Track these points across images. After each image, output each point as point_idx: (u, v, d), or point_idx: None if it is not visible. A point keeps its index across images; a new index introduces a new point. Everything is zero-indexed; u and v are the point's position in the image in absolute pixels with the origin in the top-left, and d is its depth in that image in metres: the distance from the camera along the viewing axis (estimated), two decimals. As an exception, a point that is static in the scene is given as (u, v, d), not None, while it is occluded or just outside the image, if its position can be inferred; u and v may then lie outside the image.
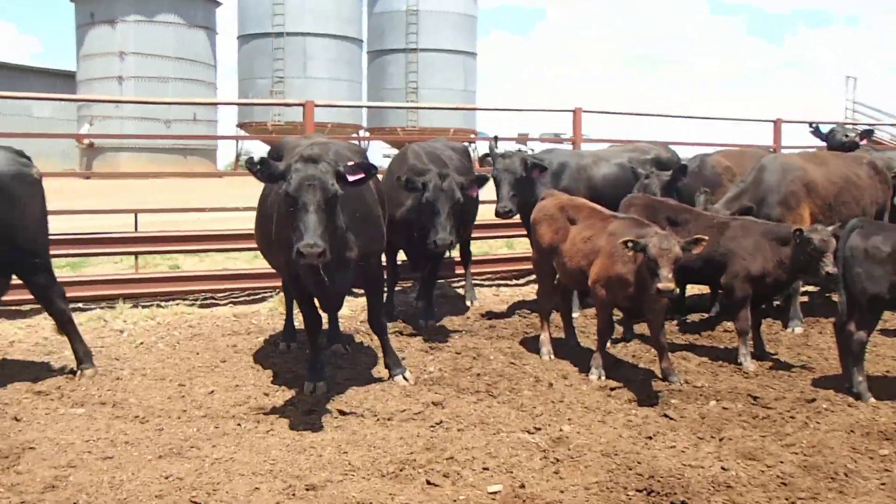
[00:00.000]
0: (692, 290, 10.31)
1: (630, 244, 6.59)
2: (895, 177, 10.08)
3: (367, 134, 43.59)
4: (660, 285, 6.39)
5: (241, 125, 40.15)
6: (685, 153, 12.09)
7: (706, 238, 6.82)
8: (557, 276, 7.97)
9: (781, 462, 5.49)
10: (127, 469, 5.20)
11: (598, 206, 7.77)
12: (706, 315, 9.55)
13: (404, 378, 7.11)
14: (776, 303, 9.40)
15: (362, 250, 6.65)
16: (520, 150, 10.05)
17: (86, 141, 29.89)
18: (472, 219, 10.21)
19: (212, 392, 6.73)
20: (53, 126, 43.00)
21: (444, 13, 43.96)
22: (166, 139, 31.50)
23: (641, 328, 8.25)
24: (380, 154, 59.67)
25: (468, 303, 10.54)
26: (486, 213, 9.94)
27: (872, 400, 6.68)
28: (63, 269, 10.95)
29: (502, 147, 9.78)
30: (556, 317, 8.56)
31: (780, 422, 6.25)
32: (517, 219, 9.63)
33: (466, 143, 10.04)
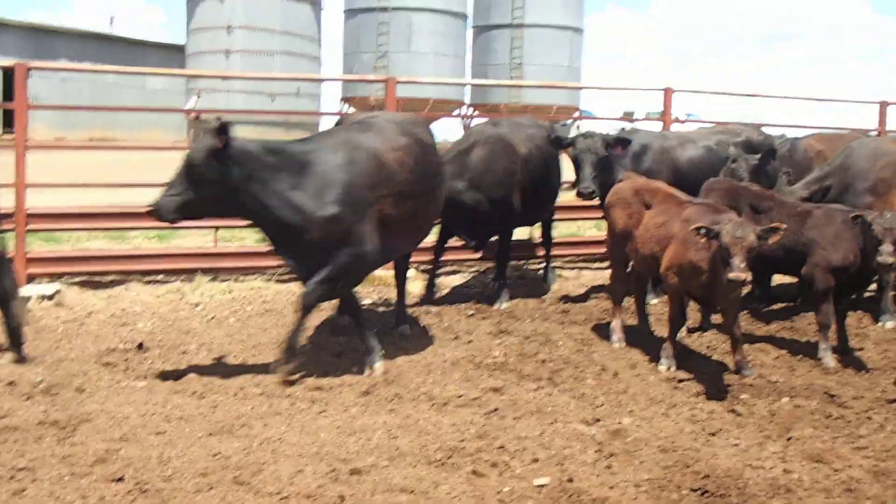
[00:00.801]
0: (780, 279, 9.91)
1: (703, 231, 6.32)
2: None
3: (470, 110, 43.48)
4: (731, 275, 6.11)
5: (345, 99, 40.39)
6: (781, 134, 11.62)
7: (784, 226, 6.48)
8: (631, 261, 7.75)
9: (850, 466, 5.21)
10: (177, 445, 5.22)
11: (675, 191, 7.49)
12: (790, 304, 9.19)
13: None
14: (867, 294, 8.95)
15: None
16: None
17: (192, 114, 30.53)
18: (553, 197, 10.09)
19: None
20: (166, 97, 44.05)
21: (550, -13, 43.29)
22: (270, 114, 31.89)
23: (719, 318, 7.96)
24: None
25: (547, 286, 10.34)
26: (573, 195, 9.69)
27: None
28: (152, 241, 11.22)
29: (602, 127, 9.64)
30: (630, 302, 8.33)
31: (855, 422, 5.93)
32: None
33: (550, 122, 9.82)
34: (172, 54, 45.13)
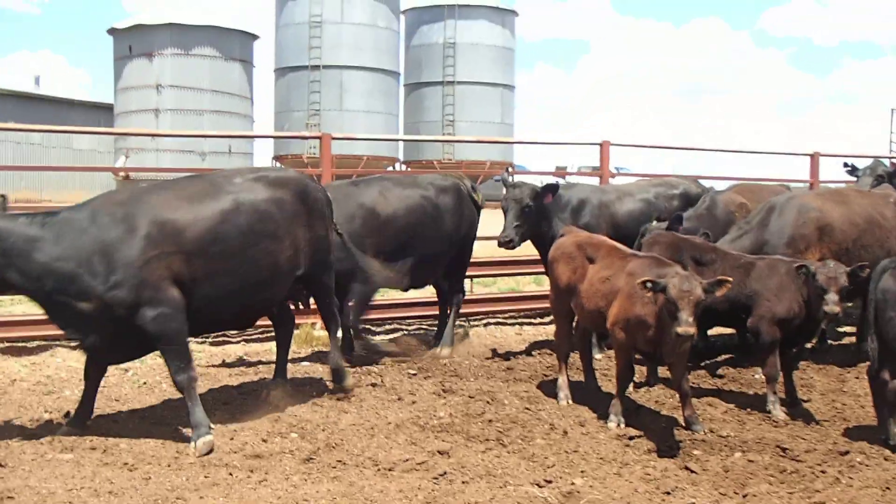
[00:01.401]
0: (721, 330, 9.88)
1: (649, 285, 6.22)
2: None
3: (404, 168, 43.50)
4: (679, 329, 6.01)
5: (276, 158, 40.19)
6: (721, 187, 11.70)
7: (730, 279, 6.43)
8: (576, 317, 7.63)
9: (809, 522, 5.10)
10: (107, 522, 4.92)
11: (618, 245, 7.41)
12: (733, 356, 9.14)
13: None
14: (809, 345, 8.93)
15: None
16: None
17: (122, 173, 30.00)
18: (444, 256, 9.62)
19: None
20: (94, 158, 43.42)
21: (481, 46, 43.88)
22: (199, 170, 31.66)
23: (666, 371, 7.85)
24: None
25: (440, 350, 9.63)
26: (520, 250, 9.58)
27: None
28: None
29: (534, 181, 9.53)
30: (576, 358, 8.19)
31: (810, 476, 5.82)
32: None
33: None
34: (100, 114, 44.57)
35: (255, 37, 40.72)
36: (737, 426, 6.94)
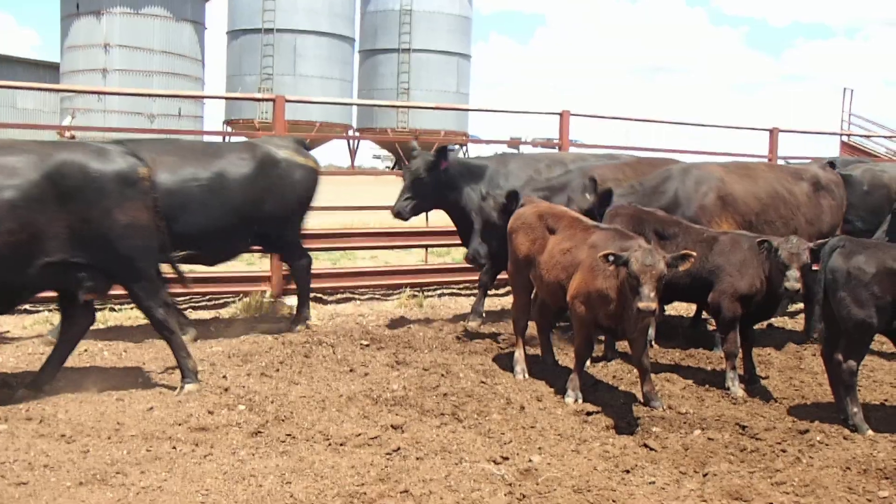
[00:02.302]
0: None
1: (611, 258, 6.04)
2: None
3: (357, 133, 43.06)
4: (640, 304, 5.83)
5: (228, 122, 39.56)
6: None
7: (694, 254, 6.27)
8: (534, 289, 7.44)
9: (770, 503, 4.97)
10: (41, 497, 4.66)
11: (580, 216, 7.22)
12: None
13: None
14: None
15: None
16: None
17: (67, 133, 29.25)
18: (290, 216, 8.82)
19: (151, 409, 6.14)
20: (37, 118, 42.26)
21: (438, 14, 43.46)
22: (149, 133, 30.76)
23: (624, 346, 7.71)
24: (370, 154, 59.31)
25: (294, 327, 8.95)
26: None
27: (870, 432, 6.16)
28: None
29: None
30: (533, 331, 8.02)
31: (770, 455, 5.71)
32: None
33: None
34: (46, 73, 43.39)
35: (207, -3, 39.91)
36: (696, 403, 6.82)
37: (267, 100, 10.34)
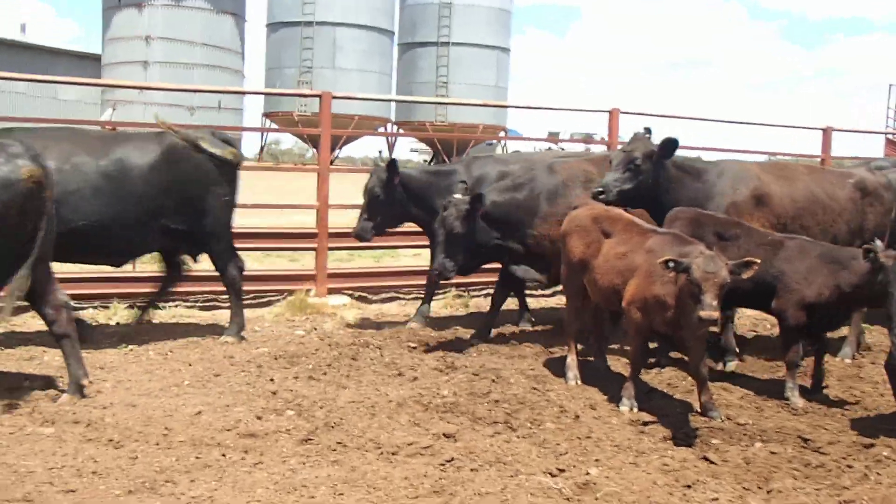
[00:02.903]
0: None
1: (671, 264, 5.85)
2: None
3: (396, 128, 42.96)
4: (702, 313, 5.62)
5: (267, 115, 39.62)
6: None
7: (758, 261, 6.05)
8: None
9: (840, 523, 4.78)
10: (90, 506, 4.55)
11: (636, 219, 7.03)
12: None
13: None
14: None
15: None
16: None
17: (108, 126, 29.43)
18: (203, 213, 8.20)
19: (199, 413, 6.02)
20: (79, 109, 42.58)
21: (477, 6, 43.22)
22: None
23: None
24: (407, 148, 59.23)
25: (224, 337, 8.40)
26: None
27: None
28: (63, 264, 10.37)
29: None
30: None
31: (836, 472, 5.48)
32: None
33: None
34: (87, 65, 43.70)
35: (247, -10, 39.94)
36: (755, 413, 6.61)
37: (313, 95, 10.21)
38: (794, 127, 13.13)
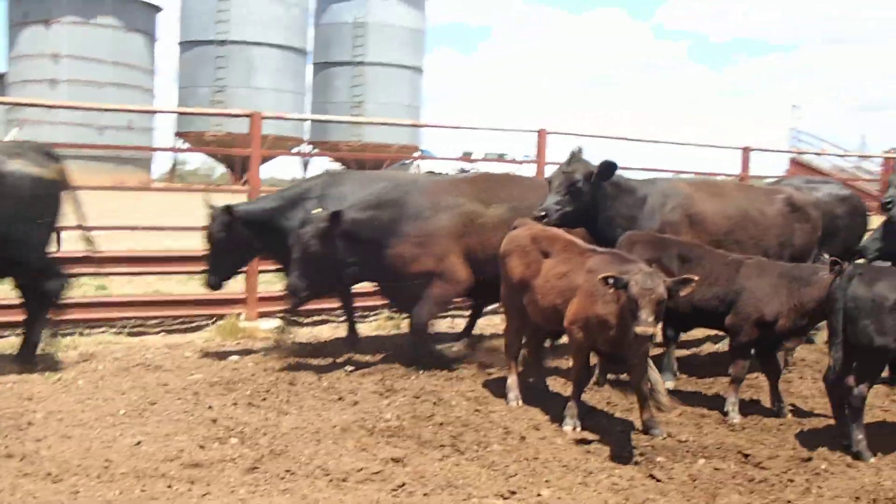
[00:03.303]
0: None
1: (610, 280, 5.91)
2: None
3: (310, 148, 42.69)
4: (638, 329, 5.69)
5: (179, 134, 38.97)
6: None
7: (695, 278, 6.15)
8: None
9: (789, 537, 4.87)
10: (33, 545, 4.37)
11: (575, 239, 7.09)
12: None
13: None
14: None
15: None
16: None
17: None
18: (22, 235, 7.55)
19: (139, 443, 5.84)
20: (-18, 129, 41.36)
21: (391, 26, 43.37)
22: (98, 148, 30.01)
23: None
24: (322, 168, 58.95)
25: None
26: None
27: (873, 460, 6.09)
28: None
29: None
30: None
31: (779, 486, 5.60)
32: None
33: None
34: (-11, 82, 42.40)
35: (158, 8, 39.30)
36: (694, 430, 6.69)
37: (244, 115, 10.04)
38: (716, 147, 13.48)
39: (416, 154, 43.89)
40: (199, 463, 5.54)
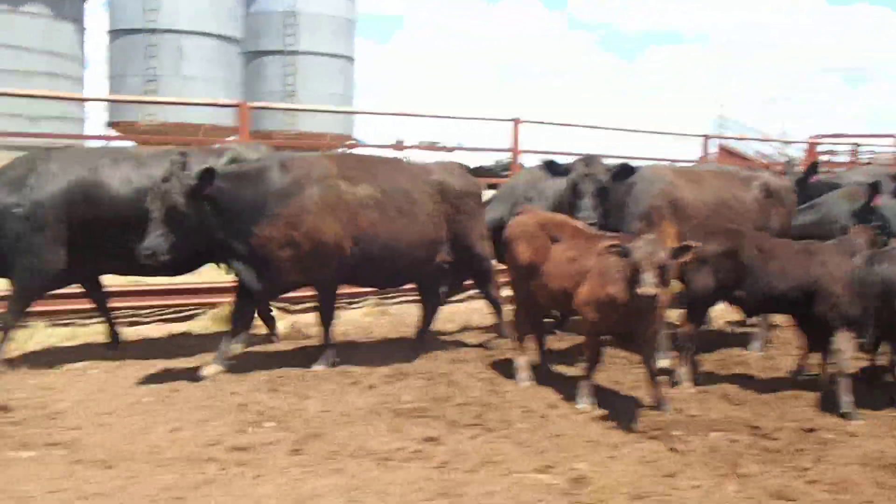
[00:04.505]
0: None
1: (614, 249, 6.24)
2: None
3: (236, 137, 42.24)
4: (640, 290, 6.03)
5: (111, 124, 38.15)
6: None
7: (696, 245, 6.53)
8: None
9: (816, 501, 5.18)
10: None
11: (581, 225, 7.35)
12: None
13: None
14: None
15: None
16: None
17: (-58, 139, 27.77)
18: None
19: (176, 429, 5.93)
20: None
21: (323, 15, 43.01)
22: (30, 137, 29.23)
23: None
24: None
25: None
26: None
27: (862, 421, 6.60)
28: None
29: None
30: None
31: (793, 455, 5.91)
32: None
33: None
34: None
35: (86, -5, 38.41)
36: (698, 405, 6.99)
37: (232, 106, 10.01)
38: (678, 134, 13.89)
39: (349, 143, 43.85)
40: (243, 446, 5.64)
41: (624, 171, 8.30)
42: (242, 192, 7.37)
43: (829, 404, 6.85)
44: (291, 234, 7.42)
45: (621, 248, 6.20)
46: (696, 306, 7.57)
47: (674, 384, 7.34)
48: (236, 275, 7.61)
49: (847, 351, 6.82)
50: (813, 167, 11.14)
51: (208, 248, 7.52)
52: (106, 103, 37.95)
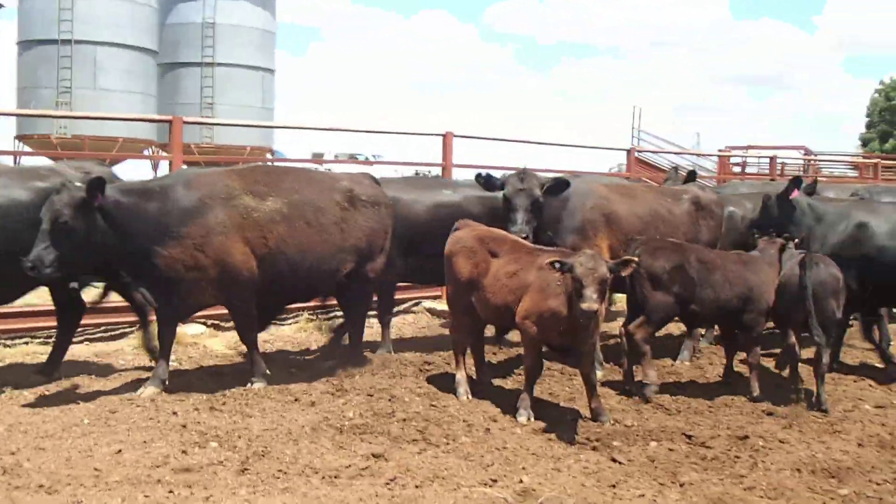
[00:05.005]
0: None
1: (556, 265, 6.35)
2: None
3: (160, 151, 41.61)
4: (583, 305, 6.17)
5: (20, 137, 37.23)
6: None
7: (636, 259, 6.79)
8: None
9: (755, 508, 5.36)
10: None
11: (521, 240, 7.46)
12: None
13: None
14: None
15: None
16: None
17: None
18: None
19: (119, 451, 5.82)
20: None
21: (241, 27, 42.66)
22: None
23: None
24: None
25: None
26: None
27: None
28: None
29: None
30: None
31: (729, 463, 6.11)
32: None
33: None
34: None
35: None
36: (636, 416, 7.15)
37: (164, 121, 9.90)
38: (603, 148, 14.17)
39: (268, 156, 43.46)
40: (189, 468, 5.57)
41: (558, 186, 8.41)
42: (144, 209, 7.18)
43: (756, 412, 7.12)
44: (197, 256, 7.29)
45: (563, 263, 6.31)
46: (654, 321, 7.78)
47: (643, 386, 7.63)
48: (141, 295, 7.59)
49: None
50: (692, 175, 11.53)
51: (107, 265, 7.36)
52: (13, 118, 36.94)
